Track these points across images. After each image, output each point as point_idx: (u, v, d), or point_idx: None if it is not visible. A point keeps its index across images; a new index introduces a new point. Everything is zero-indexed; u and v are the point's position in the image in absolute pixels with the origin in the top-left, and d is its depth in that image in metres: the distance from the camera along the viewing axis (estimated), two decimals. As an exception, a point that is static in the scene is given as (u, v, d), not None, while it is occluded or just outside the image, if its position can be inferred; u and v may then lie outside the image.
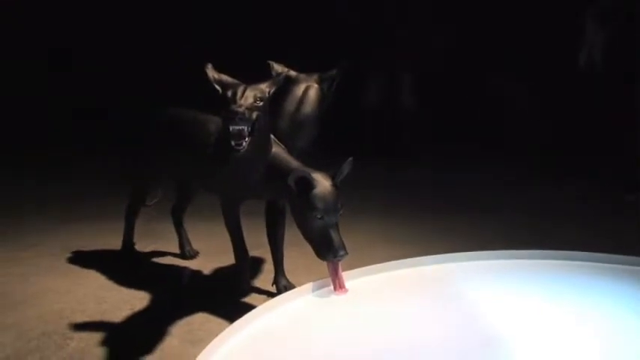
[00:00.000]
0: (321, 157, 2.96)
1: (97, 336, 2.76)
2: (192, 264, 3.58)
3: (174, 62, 6.02)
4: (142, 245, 3.72)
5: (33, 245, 3.79)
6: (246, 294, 3.10)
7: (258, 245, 3.35)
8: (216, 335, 2.40)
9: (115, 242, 3.66)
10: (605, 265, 2.92)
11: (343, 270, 2.73)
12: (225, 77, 2.69)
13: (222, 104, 2.58)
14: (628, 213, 4.32)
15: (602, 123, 5.18)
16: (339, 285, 2.72)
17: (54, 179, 5.38)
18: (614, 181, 4.89)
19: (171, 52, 6.37)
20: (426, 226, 4.20)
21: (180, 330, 2.82)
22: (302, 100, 3.02)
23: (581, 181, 5.04)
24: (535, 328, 2.43)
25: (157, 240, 3.85)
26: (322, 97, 3.06)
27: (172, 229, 3.68)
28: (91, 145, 6.30)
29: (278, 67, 3.03)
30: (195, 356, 2.30)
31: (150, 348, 2.67)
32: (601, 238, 3.72)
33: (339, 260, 2.69)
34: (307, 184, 2.65)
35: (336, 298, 2.70)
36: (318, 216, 2.65)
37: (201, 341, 2.62)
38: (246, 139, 2.55)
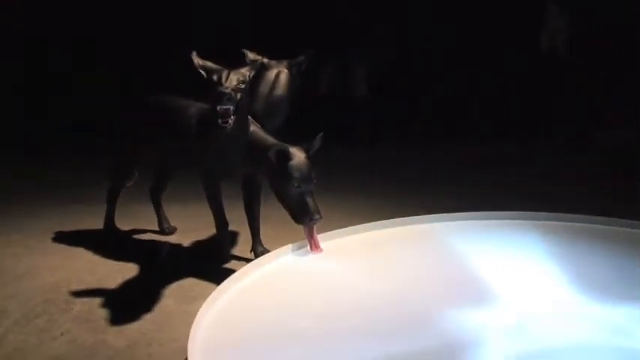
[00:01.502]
0: (292, 135, 3.31)
1: (97, 300, 3.05)
2: (171, 239, 3.87)
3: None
4: (122, 225, 3.98)
5: (19, 229, 4.00)
6: (227, 261, 3.42)
7: (231, 221, 3.66)
8: (207, 295, 2.74)
9: (97, 223, 3.92)
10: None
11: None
12: (209, 63, 3.01)
13: (209, 87, 2.90)
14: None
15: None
16: (314, 245, 3.11)
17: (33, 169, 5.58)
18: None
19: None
20: (391, 198, 4.58)
21: (173, 292, 3.12)
22: (274, 83, 3.38)
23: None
24: (502, 272, 2.84)
25: (135, 220, 4.11)
26: (292, 80, 3.41)
27: (148, 211, 3.96)
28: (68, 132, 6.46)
29: (251, 55, 3.36)
30: (191, 313, 2.63)
31: (149, 307, 2.97)
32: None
33: (315, 223, 3.07)
34: (285, 157, 3.01)
35: (313, 256, 3.09)
36: (296, 184, 3.01)
37: (195, 300, 2.94)
38: (232, 117, 2.88)
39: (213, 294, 2.71)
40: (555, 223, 3.40)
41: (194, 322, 2.47)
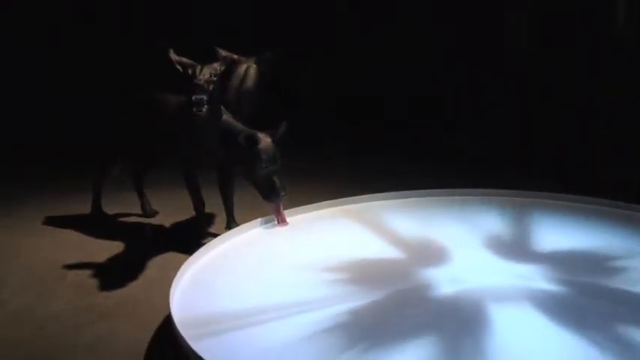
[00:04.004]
0: (261, 122, 3.70)
1: (87, 272, 3.42)
2: (153, 221, 4.24)
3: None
4: (107, 211, 4.33)
5: (8, 214, 4.36)
6: (204, 237, 3.80)
7: (209, 206, 4.01)
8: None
9: (83, 209, 4.28)
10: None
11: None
12: (184, 59, 3.40)
13: (185, 80, 3.30)
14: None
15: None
16: (281, 219, 3.51)
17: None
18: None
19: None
20: (344, 182, 4.98)
21: (155, 263, 3.52)
22: (244, 77, 3.78)
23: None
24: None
25: (119, 206, 4.46)
26: (260, 74, 3.81)
27: (130, 198, 4.32)
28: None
29: (223, 52, 3.75)
30: (171, 279, 3.00)
31: (133, 276, 3.36)
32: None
33: (281, 200, 3.47)
34: (253, 141, 3.41)
35: (280, 229, 3.49)
36: (263, 165, 3.41)
37: (174, 269, 3.24)
38: (205, 106, 3.28)
39: (192, 257, 3.10)
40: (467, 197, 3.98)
41: (175, 277, 2.87)
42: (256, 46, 3.91)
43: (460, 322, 2.43)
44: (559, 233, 3.36)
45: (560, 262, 2.96)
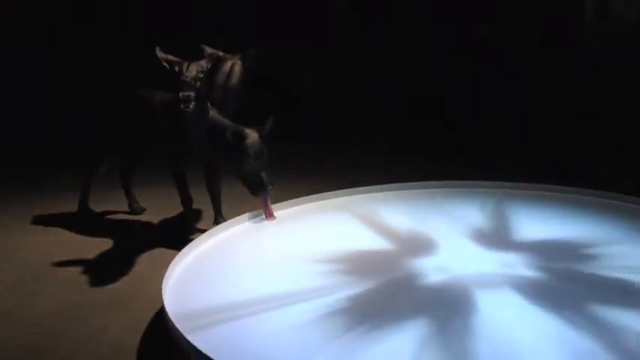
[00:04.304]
0: (247, 118, 3.76)
1: (78, 268, 3.46)
2: (141, 218, 4.28)
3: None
4: (95, 209, 4.36)
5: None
6: (193, 233, 3.85)
7: (196, 203, 4.06)
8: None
9: (71, 207, 4.31)
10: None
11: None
12: (171, 57, 3.45)
13: (173, 77, 3.35)
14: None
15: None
16: (269, 213, 3.57)
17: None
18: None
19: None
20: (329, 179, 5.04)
21: (144, 260, 3.56)
22: (229, 74, 3.83)
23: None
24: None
25: (106, 204, 4.49)
26: (245, 71, 3.86)
27: (117, 196, 4.35)
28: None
29: (209, 49, 3.80)
30: (161, 276, 3.05)
31: (124, 272, 3.41)
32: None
33: (268, 194, 3.53)
34: (241, 137, 3.46)
35: (268, 223, 3.55)
36: (250, 161, 3.46)
37: (164, 265, 3.30)
38: (192, 102, 3.33)
39: (181, 252, 3.16)
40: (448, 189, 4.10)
41: (166, 272, 2.92)
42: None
43: (448, 306, 2.58)
44: (539, 222, 3.49)
45: (539, 250, 3.10)
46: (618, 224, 3.42)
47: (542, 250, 3.09)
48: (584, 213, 3.60)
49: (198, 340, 2.34)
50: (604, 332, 2.28)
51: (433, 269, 2.97)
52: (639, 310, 2.46)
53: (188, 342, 2.34)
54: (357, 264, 3.09)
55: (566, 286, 2.67)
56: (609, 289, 2.64)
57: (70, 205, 4.31)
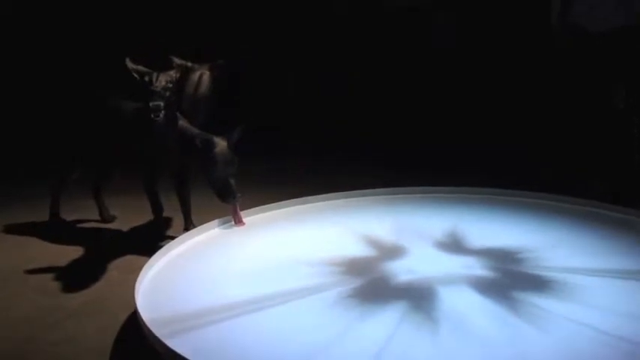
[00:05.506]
0: (216, 128, 3.85)
1: (50, 275, 3.52)
2: (112, 226, 4.35)
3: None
4: (65, 217, 4.42)
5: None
6: (163, 239, 3.93)
7: (167, 211, 4.14)
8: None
9: (43, 215, 4.35)
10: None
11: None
12: (140, 67, 3.54)
13: (142, 87, 3.43)
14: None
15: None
16: (238, 220, 3.67)
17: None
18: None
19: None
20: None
21: (116, 265, 3.63)
22: (198, 84, 3.92)
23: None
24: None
25: (77, 213, 4.54)
26: (213, 80, 3.96)
27: (88, 204, 4.40)
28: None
29: (177, 60, 3.89)
30: (133, 281, 3.12)
31: (96, 277, 3.47)
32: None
33: (238, 201, 3.63)
34: (210, 146, 3.55)
35: (237, 229, 3.65)
36: (220, 168, 3.56)
37: (135, 271, 3.36)
38: (162, 112, 3.42)
39: (152, 258, 3.24)
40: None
41: (138, 277, 3.00)
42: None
43: (417, 298, 2.89)
44: (495, 227, 3.74)
45: (492, 253, 3.37)
46: (554, 226, 3.74)
47: (494, 254, 3.36)
48: (534, 215, 3.94)
49: (171, 342, 2.43)
50: (536, 316, 2.69)
51: (403, 271, 3.19)
52: (561, 299, 2.85)
53: (162, 343, 2.43)
54: (329, 267, 3.21)
55: (511, 282, 3.04)
56: (541, 283, 3.02)
57: (41, 214, 4.36)
